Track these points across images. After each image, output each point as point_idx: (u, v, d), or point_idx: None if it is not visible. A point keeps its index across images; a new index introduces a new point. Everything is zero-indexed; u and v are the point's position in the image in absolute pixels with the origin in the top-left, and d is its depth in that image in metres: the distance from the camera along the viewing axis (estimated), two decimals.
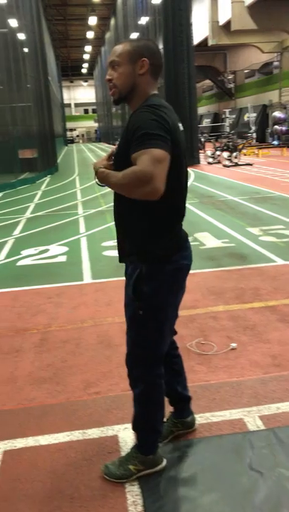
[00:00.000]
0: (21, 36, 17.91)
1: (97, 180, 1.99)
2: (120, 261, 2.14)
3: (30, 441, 2.49)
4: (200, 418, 2.59)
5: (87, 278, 5.27)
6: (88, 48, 50.72)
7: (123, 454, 2.33)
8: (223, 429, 2.49)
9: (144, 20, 27.21)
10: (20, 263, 6.09)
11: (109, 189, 1.98)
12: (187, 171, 2.12)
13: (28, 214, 9.97)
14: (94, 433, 2.53)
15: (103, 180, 1.94)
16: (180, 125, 2.01)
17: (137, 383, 2.17)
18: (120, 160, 1.93)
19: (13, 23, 17.17)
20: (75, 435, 2.52)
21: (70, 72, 59.65)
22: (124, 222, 2.06)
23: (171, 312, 2.13)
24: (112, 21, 41.77)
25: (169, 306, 2.09)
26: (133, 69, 1.94)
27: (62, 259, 6.17)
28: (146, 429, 2.19)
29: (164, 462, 2.21)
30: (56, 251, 6.57)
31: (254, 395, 2.79)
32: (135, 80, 1.95)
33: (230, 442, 2.36)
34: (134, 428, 2.26)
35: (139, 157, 1.77)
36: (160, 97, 2.01)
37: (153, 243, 1.98)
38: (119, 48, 1.97)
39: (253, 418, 2.57)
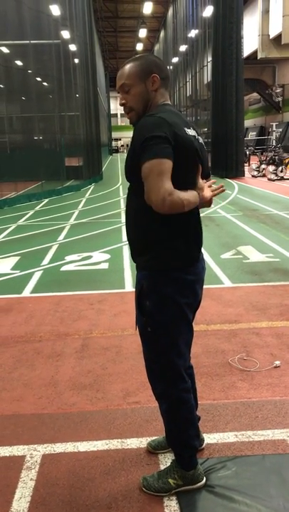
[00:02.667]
0: (73, 47, 18.35)
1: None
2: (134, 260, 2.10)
3: (69, 447, 2.49)
4: (241, 436, 2.53)
5: (129, 286, 5.27)
6: None
7: (162, 466, 2.30)
8: (265, 449, 2.41)
9: (193, 32, 27.35)
10: (63, 268, 6.17)
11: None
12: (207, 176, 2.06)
13: (72, 220, 10.13)
14: (132, 443, 2.51)
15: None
16: (189, 131, 1.92)
17: (162, 400, 2.13)
18: (129, 171, 1.92)
19: (65, 34, 17.64)
20: (114, 444, 2.51)
21: None
22: (130, 229, 2.03)
23: (184, 326, 2.04)
24: (162, 33, 42.26)
25: (179, 321, 2.00)
26: (145, 87, 1.93)
27: (105, 266, 6.22)
28: (179, 446, 2.14)
29: (204, 480, 2.16)
30: (99, 258, 6.63)
31: None
32: (149, 96, 1.94)
33: (273, 463, 2.29)
34: (168, 444, 2.23)
35: (143, 172, 1.79)
36: (170, 106, 1.98)
37: (152, 254, 1.94)
38: (125, 70, 1.95)
39: None
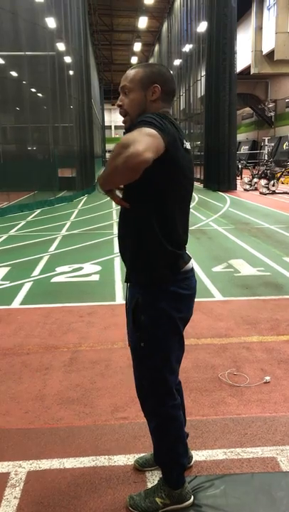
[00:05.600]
0: (68, 59, 18.47)
1: (98, 188, 1.84)
2: (125, 280, 2.06)
3: (55, 463, 2.44)
4: (230, 453, 2.49)
5: (120, 298, 5.24)
6: None
7: (149, 484, 2.25)
8: (254, 467, 2.38)
9: (187, 47, 27.67)
10: (54, 280, 6.13)
11: None
12: (191, 196, 1.98)
13: (64, 231, 10.10)
14: (120, 460, 2.46)
15: (103, 181, 1.76)
16: (186, 144, 1.87)
17: (151, 417, 2.09)
18: None
19: (61, 46, 17.76)
20: (101, 460, 2.46)
21: (112, 95, 61.12)
22: (123, 243, 1.98)
23: (176, 342, 2.01)
24: (156, 47, 42.70)
25: (172, 336, 1.98)
26: (144, 95, 1.88)
27: (96, 278, 6.18)
28: (167, 464, 2.10)
29: (192, 498, 2.12)
30: (90, 269, 6.60)
31: (288, 433, 2.66)
32: (146, 106, 1.88)
33: (263, 482, 2.25)
34: (155, 461, 2.19)
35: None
36: (170, 115, 1.90)
37: (147, 268, 1.90)
38: (131, 73, 1.91)
39: (286, 457, 2.45)
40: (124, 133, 1.90)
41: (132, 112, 1.89)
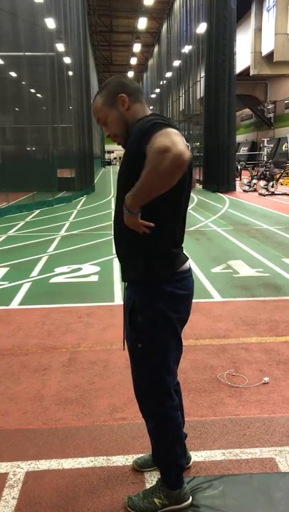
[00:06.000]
0: (67, 60, 18.47)
1: (127, 210, 1.76)
2: (122, 279, 2.06)
3: (53, 464, 2.44)
4: (229, 454, 2.49)
5: (118, 299, 5.24)
6: (131, 74, 51.94)
7: (148, 485, 2.25)
8: (253, 468, 2.38)
9: (187, 48, 27.70)
10: (53, 280, 6.12)
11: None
12: (189, 195, 1.98)
13: (62, 232, 10.10)
14: (118, 460, 2.46)
15: (132, 198, 1.72)
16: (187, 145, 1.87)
17: (150, 417, 2.09)
18: (126, 178, 1.83)
19: (60, 47, 17.76)
20: (99, 461, 2.46)
21: None
22: (119, 243, 1.99)
23: (174, 343, 2.01)
24: (156, 48, 42.76)
25: (170, 337, 1.97)
26: (118, 110, 1.91)
27: (94, 278, 6.18)
28: (166, 464, 2.10)
29: (190, 499, 2.12)
30: (88, 270, 6.60)
31: (287, 434, 2.66)
32: (126, 117, 1.91)
33: (261, 483, 2.25)
34: (154, 462, 2.19)
35: (150, 141, 1.63)
36: (155, 114, 1.91)
37: (144, 267, 1.89)
38: (95, 104, 1.95)
39: (284, 458, 2.45)
40: (124, 147, 1.91)
41: (119, 131, 1.94)
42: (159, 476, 2.16)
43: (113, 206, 14.35)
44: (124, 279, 2.03)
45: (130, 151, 1.80)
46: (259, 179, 19.06)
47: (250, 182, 19.66)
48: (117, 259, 2.10)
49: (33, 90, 16.96)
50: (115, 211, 1.99)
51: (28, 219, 12.34)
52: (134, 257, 1.92)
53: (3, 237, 9.57)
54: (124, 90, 1.91)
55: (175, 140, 1.59)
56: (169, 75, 36.67)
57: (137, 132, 1.76)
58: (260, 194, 17.78)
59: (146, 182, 1.64)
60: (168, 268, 1.92)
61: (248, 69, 30.79)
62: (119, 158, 71.83)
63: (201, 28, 22.56)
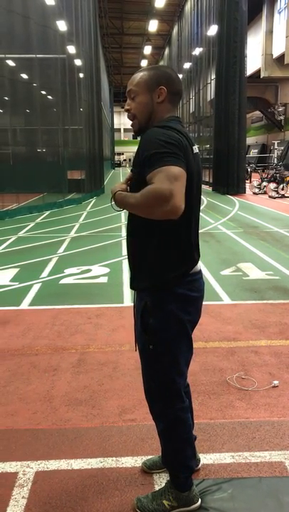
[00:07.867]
0: (78, 62, 18.55)
1: (113, 203, 1.89)
2: (131, 287, 2.06)
3: (62, 464, 2.45)
4: (238, 457, 2.49)
5: (127, 301, 5.25)
6: None
7: (156, 487, 2.25)
8: (262, 471, 2.37)
9: (197, 50, 27.69)
10: (62, 281, 6.15)
11: None
12: (200, 199, 2.00)
13: (72, 233, 10.14)
14: (127, 462, 2.46)
15: (121, 202, 1.84)
16: (195, 148, 1.90)
17: (160, 419, 2.09)
18: (136, 185, 1.84)
19: (71, 49, 17.85)
20: (108, 462, 2.46)
21: (122, 98, 61.48)
22: (131, 248, 2.00)
23: (185, 345, 2.01)
24: (166, 51, 42.80)
25: (181, 339, 1.98)
26: (151, 98, 1.89)
27: (104, 280, 6.19)
28: (175, 466, 2.10)
29: (199, 501, 2.12)
30: (98, 271, 6.61)
31: None
32: (153, 108, 1.90)
33: (270, 486, 2.24)
34: (163, 463, 2.19)
35: (154, 176, 1.67)
36: (177, 121, 1.91)
37: (156, 271, 1.90)
38: (136, 76, 1.93)
39: None
40: (134, 136, 1.92)
41: (139, 116, 1.92)
42: (168, 478, 2.17)
43: None
44: (134, 287, 2.03)
45: (137, 162, 1.82)
46: (269, 182, 18.99)
47: (260, 184, 19.59)
48: (127, 260, 2.10)
49: (44, 92, 17.07)
50: (128, 214, 1.98)
51: (38, 220, 12.40)
52: (146, 259, 1.92)
53: (14, 238, 9.63)
54: (167, 84, 1.90)
55: (175, 190, 1.63)
56: (179, 77, 36.67)
57: (146, 143, 1.76)
58: (270, 197, 17.72)
59: (136, 208, 1.76)
60: (179, 271, 1.92)
61: (258, 71, 30.71)
62: (129, 159, 71.99)
63: (212, 30, 22.55)
